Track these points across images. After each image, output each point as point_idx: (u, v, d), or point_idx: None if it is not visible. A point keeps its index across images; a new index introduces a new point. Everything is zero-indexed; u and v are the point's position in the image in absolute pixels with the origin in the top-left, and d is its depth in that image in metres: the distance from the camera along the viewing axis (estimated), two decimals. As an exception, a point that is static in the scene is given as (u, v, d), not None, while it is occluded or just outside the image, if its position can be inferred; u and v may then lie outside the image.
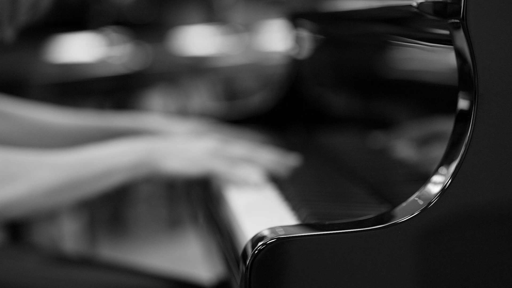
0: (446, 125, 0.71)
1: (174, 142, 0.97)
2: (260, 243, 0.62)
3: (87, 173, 0.90)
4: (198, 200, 1.08)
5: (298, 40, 1.29)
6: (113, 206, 2.86)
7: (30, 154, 0.91)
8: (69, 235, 2.48)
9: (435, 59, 0.80)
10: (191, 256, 2.08)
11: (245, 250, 0.64)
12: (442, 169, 0.66)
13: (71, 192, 0.90)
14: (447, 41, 0.68)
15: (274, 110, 1.27)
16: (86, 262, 1.13)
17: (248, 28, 3.25)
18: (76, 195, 0.91)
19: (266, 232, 0.64)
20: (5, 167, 0.87)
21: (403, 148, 0.91)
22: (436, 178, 0.66)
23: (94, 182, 0.91)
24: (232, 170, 0.96)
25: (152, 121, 1.15)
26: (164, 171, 0.94)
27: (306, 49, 1.28)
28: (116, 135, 1.10)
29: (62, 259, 1.11)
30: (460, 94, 0.67)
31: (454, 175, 0.64)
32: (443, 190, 0.64)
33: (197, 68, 2.94)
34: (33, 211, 0.90)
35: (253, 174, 0.97)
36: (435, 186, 0.65)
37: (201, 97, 3.02)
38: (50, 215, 2.38)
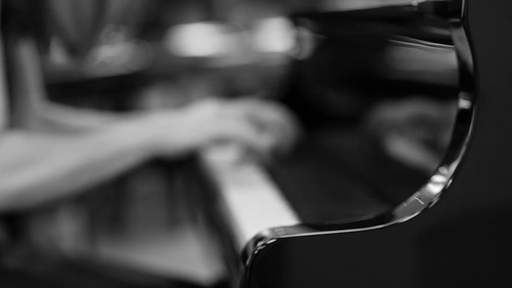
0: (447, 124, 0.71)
1: (177, 118, 0.98)
2: (260, 243, 0.62)
3: (102, 154, 0.92)
4: (197, 199, 1.08)
5: (298, 40, 1.29)
6: (112, 206, 2.86)
7: (50, 138, 0.92)
8: (67, 235, 2.48)
9: (435, 59, 0.80)
10: (190, 255, 2.08)
11: (245, 250, 0.64)
12: (443, 169, 0.66)
13: (89, 174, 0.91)
14: (448, 40, 0.68)
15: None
16: (86, 261, 1.13)
17: (248, 27, 3.25)
18: (94, 177, 0.92)
19: (266, 232, 0.63)
20: (26, 151, 0.88)
21: (403, 147, 0.91)
22: (436, 178, 0.66)
23: (110, 163, 0.92)
24: (241, 131, 0.97)
25: None
26: (173, 147, 0.95)
27: (306, 49, 1.27)
28: None
29: (62, 258, 1.12)
30: (461, 94, 0.67)
31: (454, 175, 0.64)
32: (443, 190, 0.64)
33: (197, 68, 2.94)
34: (54, 196, 0.91)
35: (262, 140, 0.98)
36: (435, 186, 0.65)
37: (201, 97, 3.02)
38: (48, 213, 2.38)
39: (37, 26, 0.97)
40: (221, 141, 0.97)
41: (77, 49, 1.00)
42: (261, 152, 1.00)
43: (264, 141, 0.99)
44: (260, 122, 1.04)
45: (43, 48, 1.02)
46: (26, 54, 1.03)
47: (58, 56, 1.05)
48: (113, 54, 2.70)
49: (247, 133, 0.97)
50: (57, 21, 0.95)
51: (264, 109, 1.07)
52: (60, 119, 1.14)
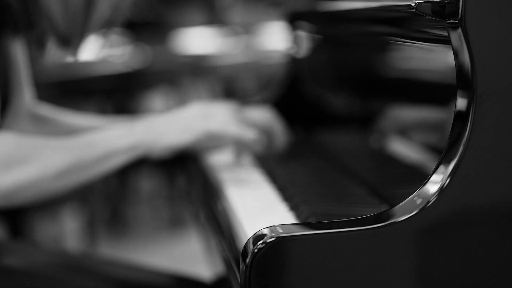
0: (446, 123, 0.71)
1: (165, 118, 0.99)
2: (259, 242, 0.62)
3: (91, 155, 0.93)
4: (199, 199, 1.09)
5: (296, 39, 1.30)
6: (113, 205, 2.86)
7: (39, 138, 0.93)
8: (70, 233, 2.48)
9: (433, 57, 0.80)
10: (192, 255, 2.08)
11: (245, 249, 0.64)
12: (441, 168, 0.66)
13: (77, 174, 0.93)
14: (445, 41, 0.69)
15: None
16: (86, 259, 1.14)
17: (247, 29, 3.26)
18: (81, 177, 0.93)
19: (265, 231, 0.64)
20: (18, 150, 0.89)
21: (403, 147, 0.91)
22: (434, 177, 0.66)
23: (98, 164, 0.94)
24: (226, 126, 0.98)
25: None
26: (159, 148, 0.96)
27: (304, 48, 1.28)
28: None
29: (62, 256, 1.12)
30: (459, 93, 0.67)
31: (452, 175, 0.65)
32: (441, 190, 0.65)
33: (197, 67, 2.94)
34: (43, 195, 0.92)
35: (249, 132, 0.99)
36: (433, 185, 0.65)
37: (201, 96, 3.02)
38: (50, 212, 2.39)
39: (29, 21, 0.98)
40: (210, 139, 0.99)
41: (69, 41, 1.01)
42: (249, 144, 1.00)
43: (251, 133, 1.00)
44: (247, 120, 1.05)
45: (36, 44, 1.04)
46: (19, 50, 1.05)
47: (51, 51, 1.06)
48: (114, 53, 2.71)
49: (233, 127, 0.99)
50: (47, 14, 0.96)
51: (250, 109, 1.08)
52: (54, 116, 1.15)
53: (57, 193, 0.94)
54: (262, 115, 1.09)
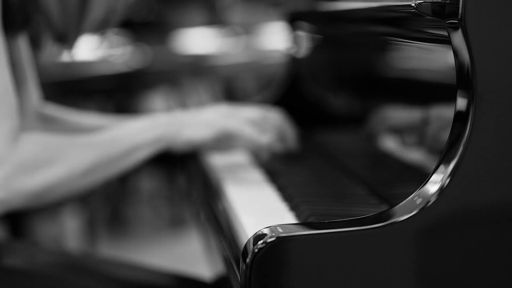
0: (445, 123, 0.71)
1: (188, 115, 1.02)
2: (260, 242, 0.63)
3: (116, 150, 0.94)
4: (199, 199, 1.09)
5: (296, 39, 1.30)
6: (113, 205, 2.86)
7: (63, 137, 0.93)
8: (70, 233, 2.48)
9: (433, 57, 0.80)
10: (192, 255, 2.08)
11: (245, 249, 0.65)
12: (441, 168, 0.66)
13: (104, 170, 0.93)
14: (445, 41, 0.69)
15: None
16: (87, 258, 1.14)
17: (247, 29, 3.26)
18: (108, 173, 0.94)
19: (266, 231, 0.64)
20: (44, 150, 0.89)
21: (403, 146, 0.91)
22: (434, 177, 0.66)
23: (124, 158, 0.94)
24: (243, 127, 1.00)
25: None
26: (180, 141, 0.98)
27: (304, 48, 1.28)
28: None
29: (63, 256, 1.12)
30: (459, 93, 0.68)
31: (452, 175, 0.65)
32: (441, 189, 0.65)
33: (197, 67, 2.94)
34: (70, 193, 0.93)
35: (264, 137, 1.02)
36: (433, 185, 0.65)
37: (201, 96, 3.02)
38: (51, 212, 2.39)
39: (26, 18, 0.98)
40: (226, 137, 1.00)
41: (65, 38, 1.01)
42: (261, 149, 1.03)
43: (266, 139, 1.02)
44: (268, 125, 1.06)
45: (31, 41, 1.04)
46: (23, 49, 1.05)
47: (47, 49, 1.06)
48: (115, 53, 2.71)
49: (249, 129, 1.00)
50: (44, 10, 0.96)
51: (271, 113, 1.09)
52: (62, 116, 1.15)
53: (84, 190, 0.94)
54: (275, 117, 1.10)
